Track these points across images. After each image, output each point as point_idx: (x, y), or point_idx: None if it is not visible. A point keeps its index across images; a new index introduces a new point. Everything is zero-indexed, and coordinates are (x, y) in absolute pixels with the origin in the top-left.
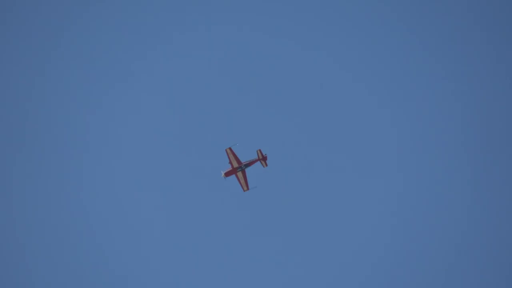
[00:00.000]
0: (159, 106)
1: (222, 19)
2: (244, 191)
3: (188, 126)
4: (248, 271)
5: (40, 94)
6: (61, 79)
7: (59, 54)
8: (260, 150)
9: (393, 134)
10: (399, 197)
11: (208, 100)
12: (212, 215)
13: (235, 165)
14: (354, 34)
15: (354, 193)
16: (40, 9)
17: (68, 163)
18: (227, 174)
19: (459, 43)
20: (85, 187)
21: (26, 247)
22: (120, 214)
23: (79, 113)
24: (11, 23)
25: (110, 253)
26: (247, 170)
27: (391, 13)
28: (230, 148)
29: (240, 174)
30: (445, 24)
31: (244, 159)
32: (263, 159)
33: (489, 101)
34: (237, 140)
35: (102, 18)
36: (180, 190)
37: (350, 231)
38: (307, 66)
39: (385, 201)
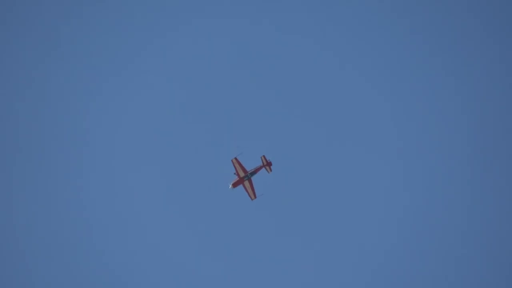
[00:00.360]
0: (160, 105)
1: (225, 13)
2: (252, 199)
3: (190, 125)
4: (253, 274)
5: (39, 93)
6: (60, 77)
7: (58, 52)
8: (264, 156)
9: (394, 133)
10: (399, 197)
11: (209, 98)
12: (213, 214)
13: (242, 174)
14: (360, 33)
15: (357, 194)
16: (37, 5)
17: (66, 162)
18: (235, 184)
19: (460, 43)
20: (84, 186)
21: (20, 246)
22: (118, 214)
23: (78, 112)
24: (10, 22)
25: (109, 252)
26: (253, 178)
27: (392, 13)
28: (236, 158)
29: (247, 183)
30: (447, 22)
31: (249, 167)
32: (268, 164)
33: (491, 100)
34: (241, 142)
35: (104, 15)
36: (181, 189)
37: (353, 232)
38: (309, 65)
39: (386, 200)
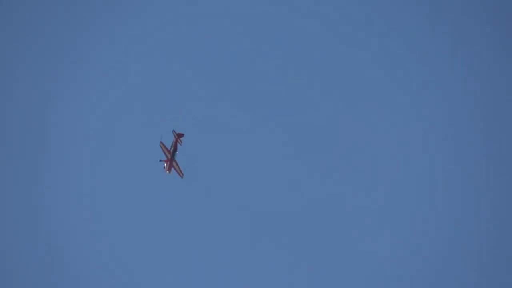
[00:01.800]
0: (154, 104)
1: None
2: (182, 177)
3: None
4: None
5: (31, 92)
6: (53, 76)
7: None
8: (174, 130)
9: (396, 135)
10: (402, 200)
11: (207, 101)
12: (211, 215)
13: (169, 156)
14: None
15: (360, 195)
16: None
17: (59, 163)
18: (169, 168)
19: (463, 43)
20: (80, 186)
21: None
22: (112, 215)
23: (71, 112)
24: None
25: (104, 253)
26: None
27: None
28: (161, 142)
29: (174, 163)
30: (451, 23)
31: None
32: (178, 136)
33: (491, 101)
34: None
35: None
36: (173, 191)
37: (355, 236)
38: (310, 63)
39: (389, 203)
